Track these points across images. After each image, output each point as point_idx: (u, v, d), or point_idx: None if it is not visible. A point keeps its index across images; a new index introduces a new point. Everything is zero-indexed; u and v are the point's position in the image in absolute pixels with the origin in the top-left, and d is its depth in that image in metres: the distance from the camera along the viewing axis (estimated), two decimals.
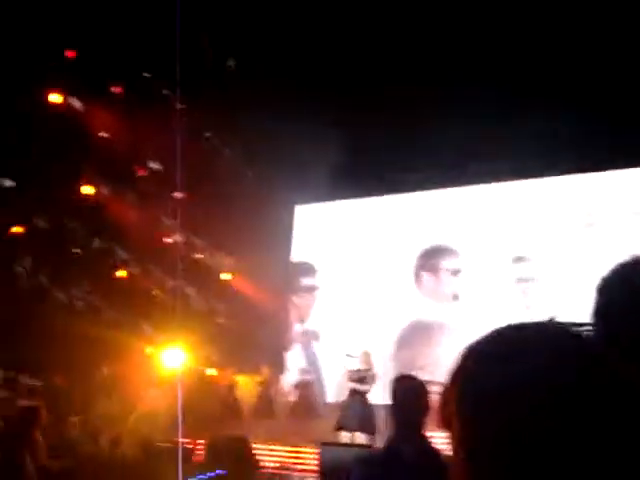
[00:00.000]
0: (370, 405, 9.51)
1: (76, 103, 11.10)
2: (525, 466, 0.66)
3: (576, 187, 12.44)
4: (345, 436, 9.30)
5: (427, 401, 2.85)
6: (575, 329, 0.74)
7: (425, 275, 13.39)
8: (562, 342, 0.72)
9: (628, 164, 11.47)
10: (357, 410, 9.38)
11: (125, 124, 10.86)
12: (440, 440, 2.98)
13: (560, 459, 0.65)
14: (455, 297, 12.85)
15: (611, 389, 0.67)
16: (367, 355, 9.80)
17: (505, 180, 12.72)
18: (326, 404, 12.20)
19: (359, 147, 11.83)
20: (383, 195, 13.89)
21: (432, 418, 2.33)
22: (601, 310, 1.07)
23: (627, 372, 0.69)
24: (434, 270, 13.30)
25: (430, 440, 2.90)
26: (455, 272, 13.04)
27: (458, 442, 0.73)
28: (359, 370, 9.62)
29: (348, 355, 9.95)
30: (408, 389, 2.83)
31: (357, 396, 9.52)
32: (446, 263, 13.20)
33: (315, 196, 13.66)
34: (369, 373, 9.61)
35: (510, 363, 0.70)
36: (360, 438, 9.16)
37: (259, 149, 11.70)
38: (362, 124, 11.25)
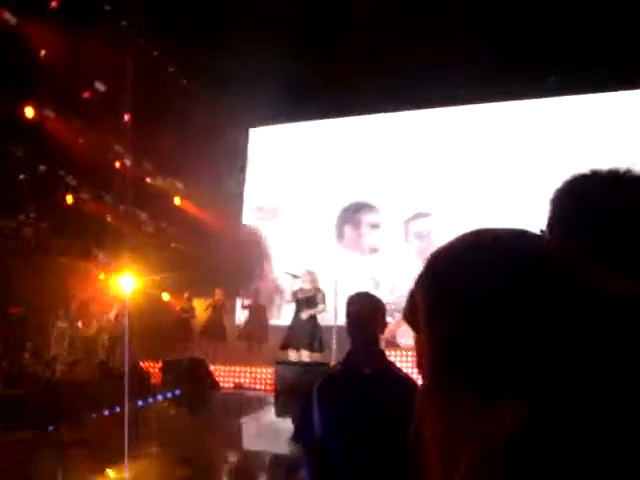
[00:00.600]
0: (317, 323, 9.63)
1: (12, 19, 10.48)
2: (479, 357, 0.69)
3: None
4: (292, 354, 9.43)
5: (383, 316, 2.91)
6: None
7: None
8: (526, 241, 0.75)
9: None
10: (303, 328, 9.48)
11: (69, 43, 10.34)
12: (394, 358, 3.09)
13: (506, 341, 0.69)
14: None
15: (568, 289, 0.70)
16: (311, 274, 9.78)
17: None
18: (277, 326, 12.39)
19: (314, 69, 11.56)
20: (336, 117, 13.80)
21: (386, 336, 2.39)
22: (549, 222, 1.10)
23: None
24: None
25: (385, 355, 2.97)
26: None
27: (426, 332, 0.75)
28: (303, 289, 9.65)
29: (288, 273, 9.99)
30: (364, 305, 2.87)
31: (303, 315, 9.57)
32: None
33: (269, 118, 13.46)
34: (315, 293, 9.65)
35: (476, 253, 0.73)
36: (306, 356, 9.33)
37: (212, 69, 11.32)
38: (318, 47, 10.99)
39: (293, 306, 9.87)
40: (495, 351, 0.69)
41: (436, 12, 9.85)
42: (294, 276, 9.83)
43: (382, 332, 2.92)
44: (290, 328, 9.73)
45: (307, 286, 9.67)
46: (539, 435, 0.63)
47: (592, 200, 1.07)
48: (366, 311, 2.83)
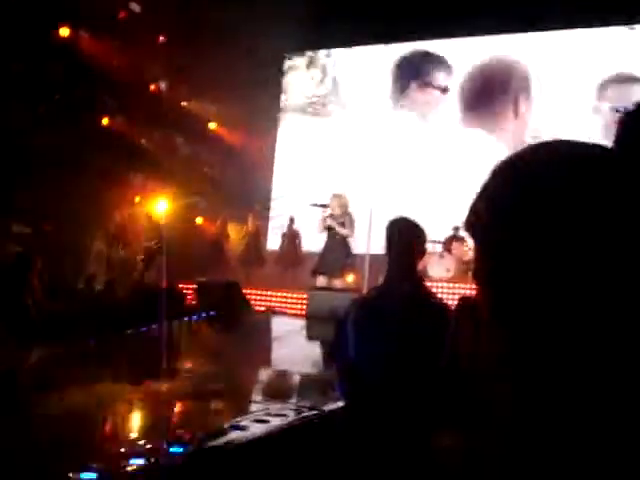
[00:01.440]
0: (349, 249, 9.51)
1: None
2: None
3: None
4: (321, 281, 9.38)
5: (423, 242, 2.93)
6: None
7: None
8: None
9: None
10: (334, 254, 9.36)
11: None
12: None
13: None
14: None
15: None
16: (339, 198, 9.52)
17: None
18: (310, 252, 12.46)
19: None
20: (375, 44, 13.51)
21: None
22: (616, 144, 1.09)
23: None
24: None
25: (423, 281, 3.01)
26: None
27: (484, 251, 0.75)
28: (333, 215, 9.41)
29: (315, 205, 9.70)
30: (403, 229, 2.88)
31: (334, 240, 9.43)
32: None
33: (303, 45, 13.23)
34: (345, 217, 9.45)
35: (548, 169, 0.72)
36: (337, 282, 9.31)
37: None
38: None
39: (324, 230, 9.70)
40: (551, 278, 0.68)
41: None
42: (322, 206, 9.61)
43: (420, 258, 2.94)
44: (321, 254, 9.68)
45: (337, 212, 9.44)
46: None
47: None
48: (405, 236, 2.85)
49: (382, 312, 2.88)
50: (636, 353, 0.66)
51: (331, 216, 9.45)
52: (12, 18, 9.96)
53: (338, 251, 9.41)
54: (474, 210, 0.77)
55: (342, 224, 9.42)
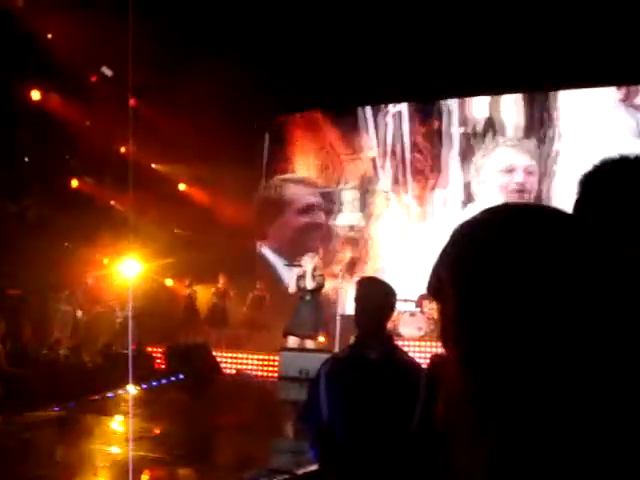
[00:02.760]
0: (320, 309, 9.55)
1: (19, 2, 10.48)
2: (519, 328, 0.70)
3: None
4: (292, 341, 9.34)
5: (393, 303, 2.93)
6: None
7: None
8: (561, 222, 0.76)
9: None
10: (305, 315, 9.37)
11: (75, 25, 10.32)
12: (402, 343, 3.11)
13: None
14: None
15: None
16: (313, 258, 9.69)
17: None
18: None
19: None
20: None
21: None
22: (577, 202, 1.13)
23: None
24: None
25: (393, 341, 2.99)
26: None
27: (453, 310, 0.75)
28: (305, 275, 9.47)
29: (289, 265, 9.80)
30: (374, 290, 2.88)
31: (305, 301, 9.47)
32: None
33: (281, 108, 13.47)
34: (320, 280, 9.55)
35: (506, 232, 0.74)
36: (309, 344, 9.28)
37: (223, 55, 11.29)
38: None
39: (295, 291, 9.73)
40: (518, 336, 0.70)
41: None
42: (297, 265, 9.71)
43: (390, 318, 2.93)
44: (293, 315, 9.65)
45: (309, 270, 9.50)
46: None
47: (620, 182, 1.10)
48: (376, 296, 2.85)
49: (353, 373, 2.87)
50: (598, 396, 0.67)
51: (303, 276, 9.50)
52: None
53: (309, 312, 9.42)
54: (436, 273, 0.79)
55: (319, 287, 9.55)
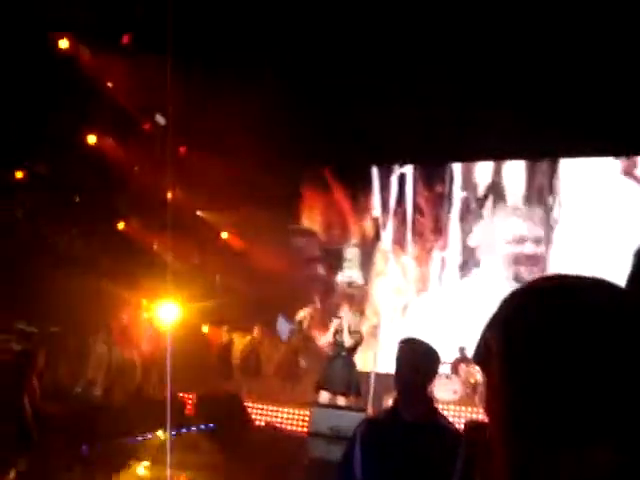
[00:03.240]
0: (354, 367, 9.42)
1: (85, 50, 10.96)
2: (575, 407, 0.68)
3: None
4: (324, 397, 9.21)
5: (434, 364, 2.87)
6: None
7: None
8: (615, 293, 0.74)
9: None
10: (340, 371, 9.26)
11: (133, 74, 10.74)
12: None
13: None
14: None
15: None
16: (356, 318, 9.67)
17: None
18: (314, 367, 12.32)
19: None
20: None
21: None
22: (631, 274, 1.11)
23: None
24: None
25: (433, 403, 2.93)
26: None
27: (500, 382, 0.74)
28: (342, 330, 9.43)
29: (334, 317, 9.76)
30: (415, 351, 2.84)
31: (340, 357, 9.38)
32: None
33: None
34: (358, 338, 9.49)
35: (565, 304, 0.72)
36: (340, 400, 9.12)
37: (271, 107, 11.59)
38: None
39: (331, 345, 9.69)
40: (576, 409, 0.69)
41: None
42: (336, 317, 9.68)
43: (431, 380, 2.88)
44: (326, 370, 9.54)
45: (350, 330, 9.44)
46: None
47: None
48: (417, 357, 2.80)
49: (390, 434, 2.81)
50: None
51: (341, 330, 9.41)
52: (43, 119, 10.42)
53: (343, 367, 9.31)
54: (484, 340, 0.77)
55: (355, 346, 9.44)
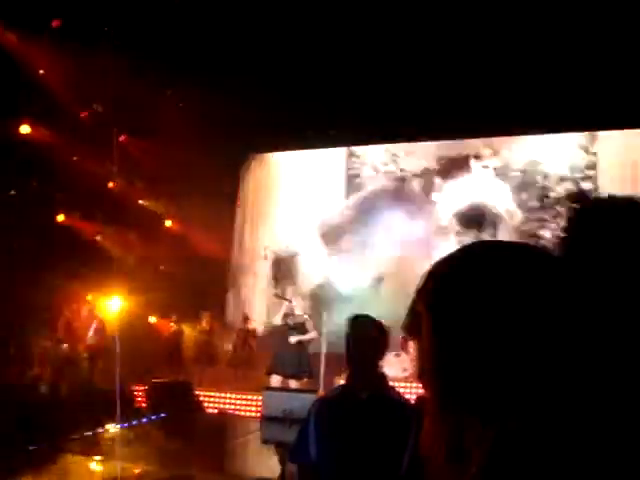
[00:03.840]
0: (305, 349, 9.45)
1: (12, 36, 10.57)
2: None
3: None
4: (276, 380, 9.24)
5: (385, 341, 2.91)
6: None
7: None
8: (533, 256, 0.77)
9: None
10: (291, 354, 9.28)
11: (67, 62, 10.41)
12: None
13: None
14: None
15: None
16: (303, 298, 9.80)
17: None
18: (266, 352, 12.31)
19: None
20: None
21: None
22: (565, 237, 1.14)
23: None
24: None
25: (386, 379, 2.97)
26: None
27: (429, 344, 0.76)
28: (295, 315, 9.44)
29: (278, 296, 9.72)
30: (364, 328, 2.87)
31: (291, 340, 9.40)
32: None
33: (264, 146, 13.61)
34: (306, 319, 9.51)
35: (482, 268, 0.75)
36: (292, 383, 9.14)
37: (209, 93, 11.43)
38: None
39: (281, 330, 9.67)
40: (496, 372, 0.71)
41: None
42: (285, 299, 9.62)
43: (383, 356, 2.91)
44: (276, 354, 9.55)
45: (299, 311, 9.51)
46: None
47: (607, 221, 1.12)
48: (367, 333, 2.83)
49: (343, 413, 2.84)
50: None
51: (293, 315, 9.41)
52: None
53: (293, 350, 9.34)
54: (413, 309, 0.80)
55: (303, 326, 9.42)
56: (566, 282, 0.75)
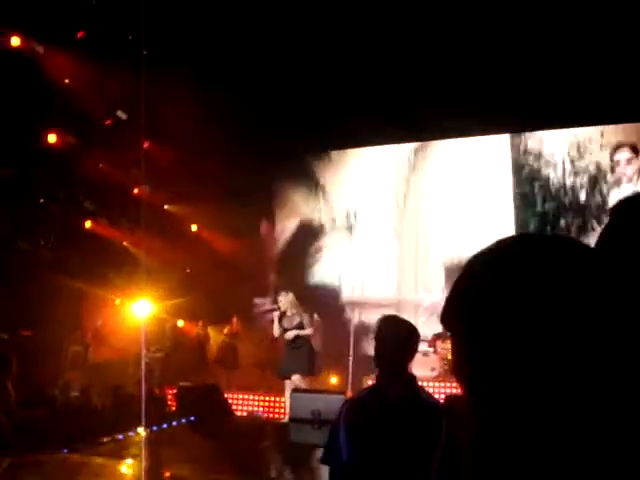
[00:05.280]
0: (307, 347, 9.33)
1: (39, 48, 10.74)
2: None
3: None
4: (290, 382, 9.14)
5: (415, 342, 2.90)
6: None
7: None
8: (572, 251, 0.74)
9: None
10: (293, 355, 9.19)
11: (91, 71, 10.56)
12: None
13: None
14: None
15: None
16: (287, 297, 9.48)
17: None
18: None
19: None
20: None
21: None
22: (607, 232, 1.13)
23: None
24: None
25: (415, 379, 2.96)
26: None
27: (462, 340, 0.74)
28: (287, 316, 9.32)
29: (265, 310, 9.59)
30: (395, 327, 2.86)
31: (293, 341, 9.29)
32: None
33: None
34: (301, 317, 9.37)
35: (520, 265, 0.72)
36: (302, 382, 9.04)
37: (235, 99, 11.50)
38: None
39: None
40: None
41: None
42: (272, 310, 9.50)
43: (412, 358, 2.91)
44: (283, 358, 9.47)
45: (289, 312, 9.36)
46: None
47: None
48: (398, 334, 2.83)
49: (374, 413, 2.84)
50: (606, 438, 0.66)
51: (284, 315, 9.32)
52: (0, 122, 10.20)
53: (297, 350, 9.21)
54: (450, 302, 0.77)
55: (300, 324, 9.32)
56: (611, 284, 0.72)
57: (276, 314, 9.42)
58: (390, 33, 10.22)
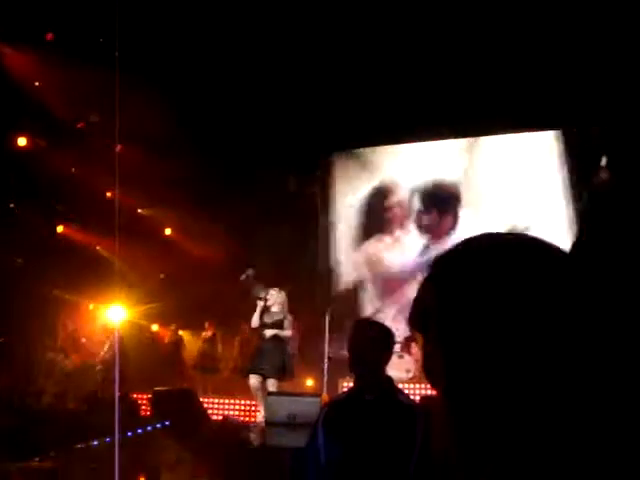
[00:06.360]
0: (284, 347, 9.08)
1: (7, 49, 10.59)
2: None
3: None
4: (253, 381, 8.89)
5: (390, 343, 2.93)
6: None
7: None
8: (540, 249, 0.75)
9: None
10: (268, 354, 8.89)
11: (61, 74, 10.43)
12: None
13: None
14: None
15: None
16: (281, 295, 9.20)
17: None
18: None
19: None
20: None
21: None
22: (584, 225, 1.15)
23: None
24: None
25: (392, 381, 2.99)
26: None
27: (438, 337, 0.74)
28: (271, 312, 9.04)
29: (257, 297, 9.19)
30: (370, 330, 2.88)
31: (270, 339, 9.00)
32: None
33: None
34: (284, 317, 9.11)
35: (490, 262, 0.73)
36: (271, 383, 8.77)
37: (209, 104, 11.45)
38: None
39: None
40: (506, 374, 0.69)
41: None
42: (260, 298, 9.14)
43: (389, 359, 2.93)
44: (256, 353, 9.17)
45: (276, 308, 9.11)
46: None
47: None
48: (373, 337, 2.85)
49: (350, 416, 2.86)
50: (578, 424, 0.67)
51: (267, 310, 9.09)
52: None
53: (273, 349, 8.94)
54: (421, 302, 0.78)
55: (280, 323, 9.07)
56: (580, 283, 0.72)
57: (261, 304, 9.08)
58: (446, 33, 10.23)
